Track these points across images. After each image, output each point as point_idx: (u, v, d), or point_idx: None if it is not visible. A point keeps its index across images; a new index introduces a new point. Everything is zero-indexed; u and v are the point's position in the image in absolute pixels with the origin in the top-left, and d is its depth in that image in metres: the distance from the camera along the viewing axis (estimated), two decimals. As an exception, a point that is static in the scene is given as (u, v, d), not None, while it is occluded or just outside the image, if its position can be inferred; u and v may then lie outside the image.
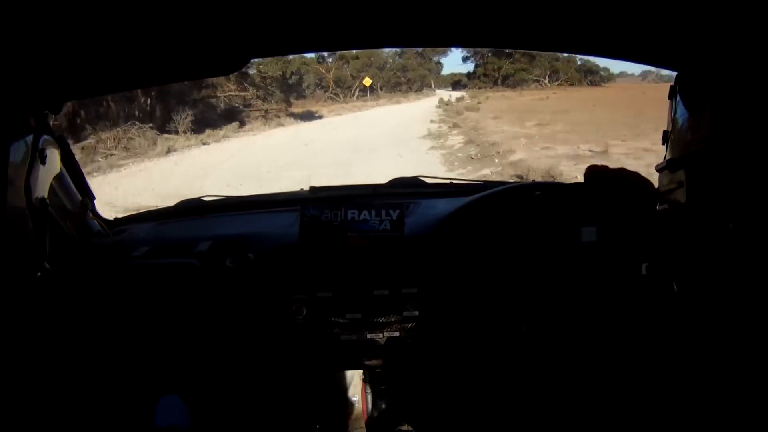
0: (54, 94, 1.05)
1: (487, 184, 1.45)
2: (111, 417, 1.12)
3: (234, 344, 1.20)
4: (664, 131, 1.17)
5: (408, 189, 1.51)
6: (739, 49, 0.83)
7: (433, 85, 33.59)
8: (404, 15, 0.94)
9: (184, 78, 1.21)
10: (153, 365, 1.18)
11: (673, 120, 1.10)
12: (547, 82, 29.64)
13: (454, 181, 1.53)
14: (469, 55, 32.62)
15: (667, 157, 1.15)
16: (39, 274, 1.01)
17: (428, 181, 1.55)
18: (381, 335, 1.19)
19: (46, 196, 1.01)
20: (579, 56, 25.47)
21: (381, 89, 29.55)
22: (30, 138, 0.95)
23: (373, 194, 1.47)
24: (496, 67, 31.39)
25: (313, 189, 1.49)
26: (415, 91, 31.35)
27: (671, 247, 1.09)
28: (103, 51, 0.94)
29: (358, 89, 28.20)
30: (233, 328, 1.19)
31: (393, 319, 1.19)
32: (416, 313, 1.19)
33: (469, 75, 35.26)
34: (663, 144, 1.19)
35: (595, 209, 1.27)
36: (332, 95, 27.87)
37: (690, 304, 1.00)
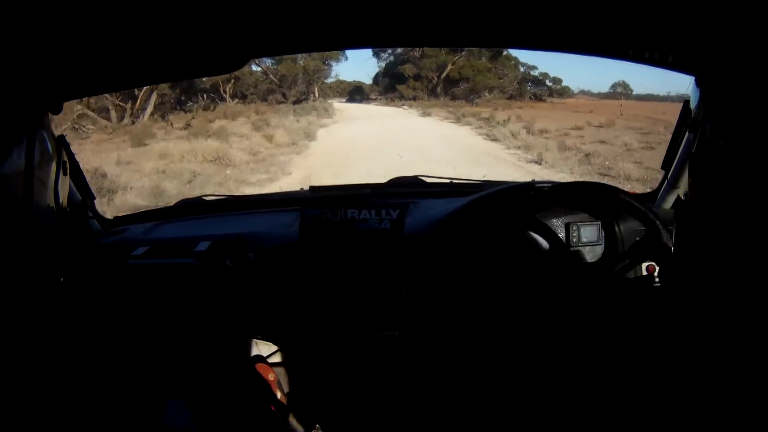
0: (54, 94, 1.05)
1: (487, 184, 1.46)
2: (114, 418, 1.12)
3: (234, 344, 1.20)
4: (674, 133, 1.17)
5: (408, 189, 1.51)
6: (759, 52, 0.83)
7: (317, 94, 20.14)
8: (405, 14, 0.94)
9: (183, 77, 1.21)
10: (153, 365, 1.18)
11: (686, 123, 1.11)
12: (487, 93, 19.41)
13: (454, 181, 1.53)
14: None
15: (677, 158, 1.15)
16: (39, 273, 1.01)
17: (428, 180, 1.55)
18: (381, 335, 1.19)
19: (45, 196, 1.01)
20: (522, 63, 19.51)
21: (233, 98, 16.57)
22: (30, 138, 0.95)
23: (372, 194, 1.47)
24: (435, 66, 19.08)
25: (313, 189, 1.50)
26: (297, 103, 17.29)
27: (675, 248, 1.09)
28: (103, 50, 0.94)
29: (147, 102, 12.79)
30: (233, 327, 1.19)
31: (393, 319, 1.19)
32: (416, 313, 1.19)
33: (377, 79, 21.48)
34: (670, 145, 1.19)
35: (594, 208, 1.27)
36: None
37: (692, 306, 1.00)
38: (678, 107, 1.22)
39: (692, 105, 1.12)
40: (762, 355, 0.82)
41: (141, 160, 8.02)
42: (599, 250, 1.28)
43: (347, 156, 8.41)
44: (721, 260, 0.90)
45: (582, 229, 1.28)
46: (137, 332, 1.18)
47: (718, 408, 0.90)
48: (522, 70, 19.88)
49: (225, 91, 16.08)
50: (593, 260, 1.27)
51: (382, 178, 1.55)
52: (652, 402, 1.09)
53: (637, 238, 1.27)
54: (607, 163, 8.05)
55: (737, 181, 0.86)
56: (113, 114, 12.95)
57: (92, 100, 11.52)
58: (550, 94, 20.73)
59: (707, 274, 0.95)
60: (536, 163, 8.49)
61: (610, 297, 1.21)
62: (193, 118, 12.75)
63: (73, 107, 11.14)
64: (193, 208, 1.52)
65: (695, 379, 0.97)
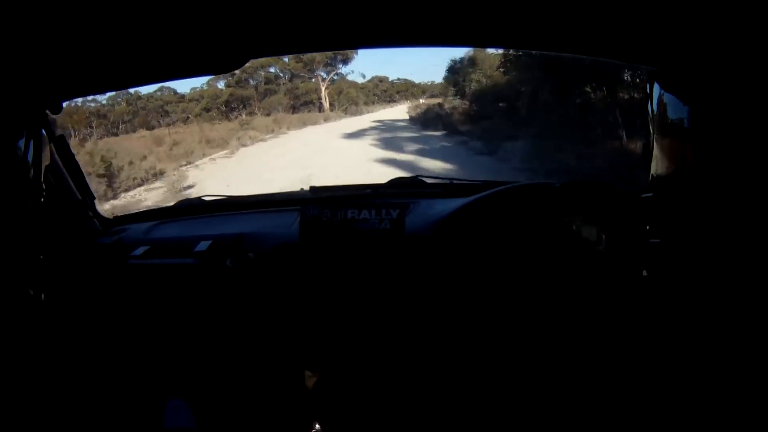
0: (54, 94, 1.04)
1: (487, 184, 1.46)
2: (114, 418, 1.12)
3: (234, 344, 1.20)
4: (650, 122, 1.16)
5: (408, 189, 1.51)
6: (720, 44, 0.84)
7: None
8: (406, 13, 0.94)
9: (183, 76, 1.21)
10: (153, 365, 1.18)
11: (655, 114, 1.10)
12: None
13: (454, 181, 1.53)
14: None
15: (655, 153, 1.15)
16: (39, 273, 1.01)
17: (428, 181, 1.55)
18: (381, 335, 1.19)
19: (45, 196, 1.01)
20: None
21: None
22: (30, 138, 0.95)
23: (373, 194, 1.47)
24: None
25: (313, 189, 1.50)
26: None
27: (670, 247, 1.09)
28: (102, 50, 0.94)
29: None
30: (233, 328, 1.19)
31: (393, 319, 1.19)
32: (416, 313, 1.19)
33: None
34: (648, 139, 1.18)
35: (593, 209, 1.27)
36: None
37: (690, 306, 1.00)
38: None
39: (654, 100, 1.11)
40: (758, 351, 0.82)
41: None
42: (599, 250, 1.28)
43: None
44: (708, 253, 0.91)
45: (582, 229, 1.28)
46: (137, 332, 1.18)
47: (716, 404, 0.90)
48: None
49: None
50: (593, 260, 1.27)
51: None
52: (652, 399, 1.09)
53: (638, 239, 1.27)
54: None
55: (712, 174, 0.87)
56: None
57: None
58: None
59: (700, 269, 0.95)
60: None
61: (610, 296, 1.21)
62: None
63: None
64: (193, 208, 1.52)
65: (694, 377, 0.98)
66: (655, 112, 1.03)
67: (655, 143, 1.03)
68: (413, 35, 1.13)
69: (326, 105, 12.32)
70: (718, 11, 0.78)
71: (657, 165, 1.03)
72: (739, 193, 0.83)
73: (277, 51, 1.17)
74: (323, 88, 12.13)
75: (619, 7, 0.84)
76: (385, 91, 16.63)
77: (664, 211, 1.04)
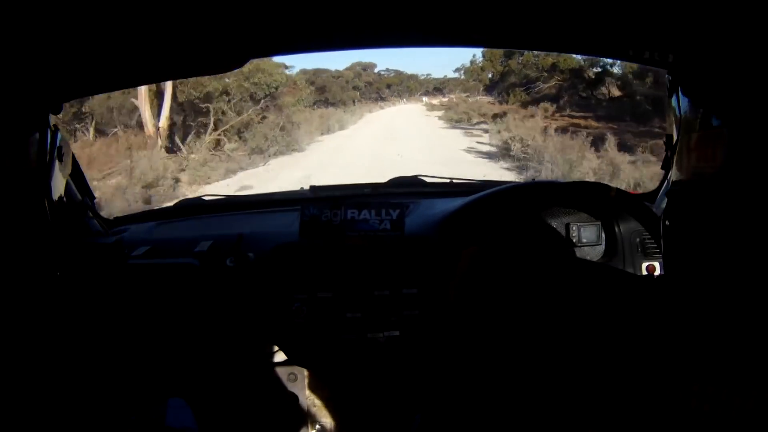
0: (54, 94, 1.04)
1: (487, 184, 1.46)
2: (114, 418, 1.12)
3: (234, 344, 1.20)
4: (667, 135, 1.16)
5: (408, 189, 1.51)
6: (731, 43, 0.84)
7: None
8: (406, 14, 0.94)
9: (183, 76, 1.21)
10: (153, 365, 1.18)
11: (675, 118, 1.10)
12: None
13: (454, 181, 1.53)
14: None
15: (675, 158, 1.15)
16: (39, 274, 1.01)
17: (428, 180, 1.55)
18: (381, 335, 1.19)
19: (45, 196, 1.01)
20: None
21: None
22: (29, 138, 0.95)
23: (373, 194, 1.48)
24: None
25: (313, 188, 1.50)
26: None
27: (675, 247, 1.09)
28: (102, 50, 0.94)
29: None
30: (233, 328, 1.19)
31: (393, 319, 1.19)
32: (416, 313, 1.19)
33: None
34: (668, 143, 1.19)
35: (594, 208, 1.27)
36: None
37: (692, 306, 1.00)
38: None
39: (675, 102, 1.11)
40: (762, 353, 0.82)
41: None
42: (599, 250, 1.29)
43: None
44: (715, 256, 0.91)
45: (582, 229, 1.28)
46: (137, 332, 1.18)
47: (714, 404, 0.90)
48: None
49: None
50: (593, 260, 1.27)
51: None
52: (653, 400, 1.09)
53: (637, 239, 1.27)
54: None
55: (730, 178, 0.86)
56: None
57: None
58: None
59: (704, 271, 0.95)
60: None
61: (610, 297, 1.21)
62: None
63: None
64: (193, 208, 1.52)
65: (694, 378, 0.98)
66: (680, 116, 1.02)
67: (678, 146, 1.03)
68: (414, 35, 1.13)
69: (149, 120, 6.13)
70: (738, 12, 0.78)
71: (680, 168, 1.03)
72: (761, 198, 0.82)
73: (277, 51, 1.17)
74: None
75: (636, 7, 0.84)
76: (369, 83, 12.53)
77: (679, 216, 1.04)
